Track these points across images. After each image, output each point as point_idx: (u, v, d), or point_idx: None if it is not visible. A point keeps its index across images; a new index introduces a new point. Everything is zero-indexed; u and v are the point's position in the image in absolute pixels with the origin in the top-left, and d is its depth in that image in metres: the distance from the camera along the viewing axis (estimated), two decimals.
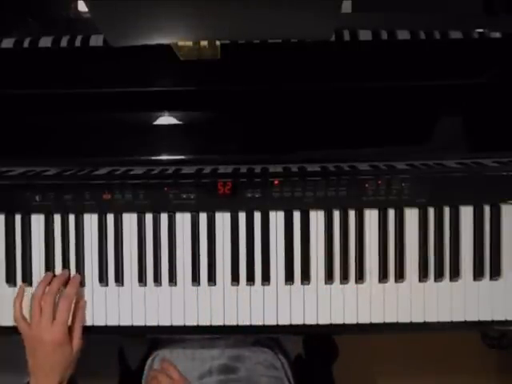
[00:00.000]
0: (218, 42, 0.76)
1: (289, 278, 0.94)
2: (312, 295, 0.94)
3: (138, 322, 0.95)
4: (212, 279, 0.94)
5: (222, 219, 0.95)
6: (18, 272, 0.95)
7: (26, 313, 0.91)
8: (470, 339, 1.47)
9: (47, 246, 0.95)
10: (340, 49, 0.86)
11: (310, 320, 0.94)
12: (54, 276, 0.94)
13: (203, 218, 0.95)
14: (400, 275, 0.94)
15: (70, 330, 0.90)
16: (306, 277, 0.94)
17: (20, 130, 0.88)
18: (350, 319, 0.94)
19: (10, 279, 0.95)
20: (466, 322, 0.94)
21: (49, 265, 0.95)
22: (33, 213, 0.95)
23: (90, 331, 0.94)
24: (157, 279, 0.94)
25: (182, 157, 0.87)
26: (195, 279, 0.94)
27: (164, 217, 0.95)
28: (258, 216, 0.94)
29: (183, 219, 0.95)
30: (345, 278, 0.94)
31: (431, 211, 0.95)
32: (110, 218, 0.95)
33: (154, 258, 0.95)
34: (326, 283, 0.94)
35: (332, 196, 0.93)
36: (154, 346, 1.06)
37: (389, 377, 1.60)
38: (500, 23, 0.86)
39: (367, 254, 0.94)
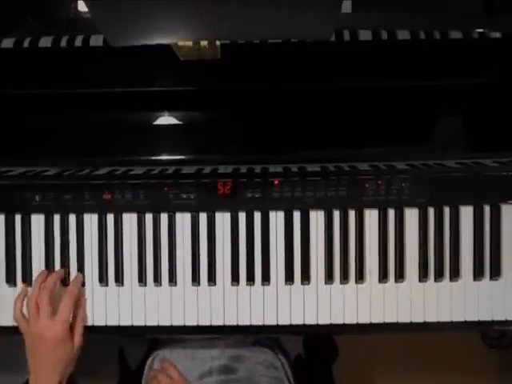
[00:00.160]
0: (218, 42, 0.76)
1: (289, 278, 0.94)
2: (312, 295, 0.94)
3: (138, 322, 0.95)
4: (212, 279, 0.94)
5: (222, 219, 0.95)
6: (18, 272, 0.95)
7: (25, 311, 0.91)
8: (470, 339, 1.47)
9: (47, 246, 0.95)
10: (340, 49, 0.86)
11: (310, 320, 0.94)
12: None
13: (203, 218, 0.95)
14: (400, 275, 0.94)
15: (72, 326, 0.90)
16: (305, 277, 0.94)
17: (20, 130, 0.88)
18: (350, 319, 0.94)
19: (10, 279, 0.95)
20: (466, 322, 0.94)
21: (49, 265, 0.95)
22: (33, 213, 0.95)
23: (90, 331, 0.94)
24: (157, 279, 0.94)
25: (182, 157, 0.87)
26: (195, 279, 0.94)
27: (164, 217, 0.95)
28: (257, 216, 0.94)
29: (183, 219, 0.95)
30: (345, 278, 0.94)
31: (431, 211, 0.95)
32: (110, 218, 0.95)
33: (153, 258, 0.95)
34: (326, 283, 0.94)
35: (332, 196, 0.93)
36: (153, 346, 1.06)
37: (389, 377, 1.60)
38: (500, 23, 0.86)
39: (367, 254, 0.94)
